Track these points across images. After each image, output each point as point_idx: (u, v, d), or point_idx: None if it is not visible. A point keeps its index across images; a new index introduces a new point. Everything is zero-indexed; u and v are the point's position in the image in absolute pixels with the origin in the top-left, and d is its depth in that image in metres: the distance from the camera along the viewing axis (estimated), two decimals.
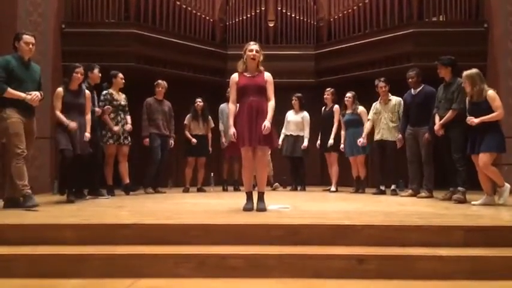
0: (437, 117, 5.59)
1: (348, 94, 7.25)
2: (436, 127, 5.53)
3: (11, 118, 4.44)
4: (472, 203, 4.94)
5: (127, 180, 6.57)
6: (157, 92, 7.13)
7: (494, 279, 2.74)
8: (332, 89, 7.66)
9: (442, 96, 5.58)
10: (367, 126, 6.88)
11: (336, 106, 7.49)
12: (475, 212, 4.29)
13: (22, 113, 4.51)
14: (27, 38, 4.60)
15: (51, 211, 4.25)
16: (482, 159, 4.75)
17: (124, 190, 6.53)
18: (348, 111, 7.24)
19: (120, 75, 6.46)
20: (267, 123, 4.17)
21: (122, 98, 6.47)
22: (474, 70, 4.94)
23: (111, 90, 6.36)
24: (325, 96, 7.63)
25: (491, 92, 4.84)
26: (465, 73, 4.95)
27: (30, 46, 4.60)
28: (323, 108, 7.74)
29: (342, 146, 7.29)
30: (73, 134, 5.06)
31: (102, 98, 6.23)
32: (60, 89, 5.16)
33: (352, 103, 7.20)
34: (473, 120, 4.82)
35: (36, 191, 5.65)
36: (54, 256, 2.92)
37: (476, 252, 2.94)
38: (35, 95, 4.53)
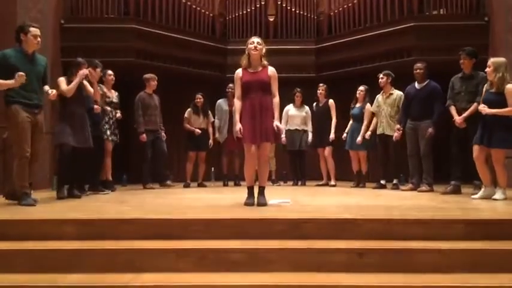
0: (453, 109, 5.49)
1: (361, 87, 7.19)
2: (458, 120, 5.38)
3: (17, 117, 4.33)
4: (472, 196, 4.93)
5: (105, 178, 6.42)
6: (152, 86, 7.11)
7: (495, 272, 2.74)
8: (325, 85, 7.67)
9: (461, 88, 5.50)
10: (373, 122, 6.86)
11: (331, 101, 7.50)
12: (475, 205, 4.29)
13: (29, 110, 4.40)
14: (34, 30, 4.47)
15: (52, 206, 4.26)
16: (498, 154, 4.68)
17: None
18: (358, 105, 7.22)
19: (109, 71, 6.39)
20: (277, 123, 4.19)
21: (113, 96, 6.46)
22: (502, 58, 4.88)
23: (104, 89, 6.25)
24: (319, 91, 7.61)
25: (509, 86, 4.68)
26: (492, 59, 4.89)
27: (38, 39, 4.50)
28: (314, 104, 7.72)
29: (344, 135, 7.29)
30: (76, 126, 5.00)
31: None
32: (63, 78, 5.08)
33: (364, 97, 7.17)
34: (485, 110, 4.68)
35: (36, 186, 5.67)
36: (55, 251, 2.93)
37: (476, 245, 2.94)
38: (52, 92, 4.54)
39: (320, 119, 7.56)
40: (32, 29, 4.48)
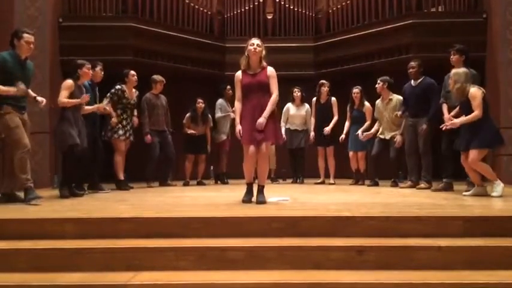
0: (445, 107, 5.49)
1: (355, 89, 7.17)
2: (447, 117, 5.34)
3: (9, 113, 4.40)
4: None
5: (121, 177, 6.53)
6: (158, 89, 7.13)
7: (493, 269, 2.75)
8: (328, 82, 7.58)
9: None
10: (374, 127, 6.83)
11: (333, 98, 7.48)
12: (473, 202, 4.30)
13: (17, 111, 4.48)
14: (28, 37, 4.49)
15: (52, 205, 4.26)
16: (471, 156, 4.72)
17: (117, 186, 6.44)
18: (356, 107, 7.21)
19: (132, 72, 6.50)
20: (261, 119, 4.16)
21: (133, 97, 6.53)
22: (463, 69, 4.94)
23: (124, 87, 6.38)
24: (324, 89, 7.55)
25: (473, 90, 4.73)
26: (454, 70, 4.97)
27: (31, 45, 4.53)
28: (315, 100, 7.62)
29: (342, 136, 7.29)
30: (77, 127, 5.01)
31: (112, 90, 6.25)
32: (71, 81, 5.05)
33: (360, 98, 7.17)
34: (450, 122, 4.95)
35: (36, 185, 5.66)
36: (55, 250, 2.93)
37: (475, 242, 2.95)
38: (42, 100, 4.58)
39: (323, 117, 7.49)
40: (25, 35, 4.50)
